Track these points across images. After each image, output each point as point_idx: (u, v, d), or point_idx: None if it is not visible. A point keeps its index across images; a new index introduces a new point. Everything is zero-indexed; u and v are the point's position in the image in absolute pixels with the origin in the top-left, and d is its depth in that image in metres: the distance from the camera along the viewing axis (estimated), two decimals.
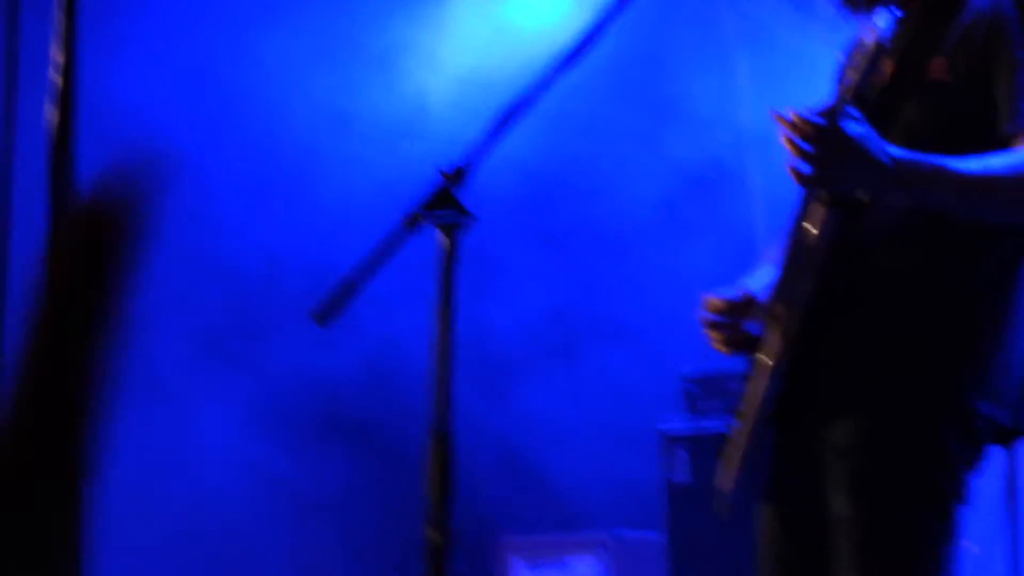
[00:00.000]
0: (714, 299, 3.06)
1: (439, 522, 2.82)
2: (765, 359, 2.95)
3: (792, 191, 3.25)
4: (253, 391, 7.77)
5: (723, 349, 3.08)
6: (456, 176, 2.84)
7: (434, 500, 2.82)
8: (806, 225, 2.94)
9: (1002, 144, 2.90)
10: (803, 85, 5.13)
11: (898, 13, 2.97)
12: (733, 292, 3.07)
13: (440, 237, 2.85)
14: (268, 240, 7.63)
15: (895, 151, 2.74)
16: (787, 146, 2.70)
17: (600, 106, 7.50)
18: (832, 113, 2.68)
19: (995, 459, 3.03)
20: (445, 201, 2.83)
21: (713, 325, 3.06)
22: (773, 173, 7.13)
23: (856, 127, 2.69)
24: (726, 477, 3.02)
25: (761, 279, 3.14)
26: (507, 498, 7.52)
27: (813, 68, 3.70)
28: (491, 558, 6.96)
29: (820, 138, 2.68)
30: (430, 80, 7.60)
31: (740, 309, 3.05)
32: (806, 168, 2.70)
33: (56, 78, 2.68)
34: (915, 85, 2.89)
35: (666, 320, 6.85)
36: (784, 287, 2.97)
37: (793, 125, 2.69)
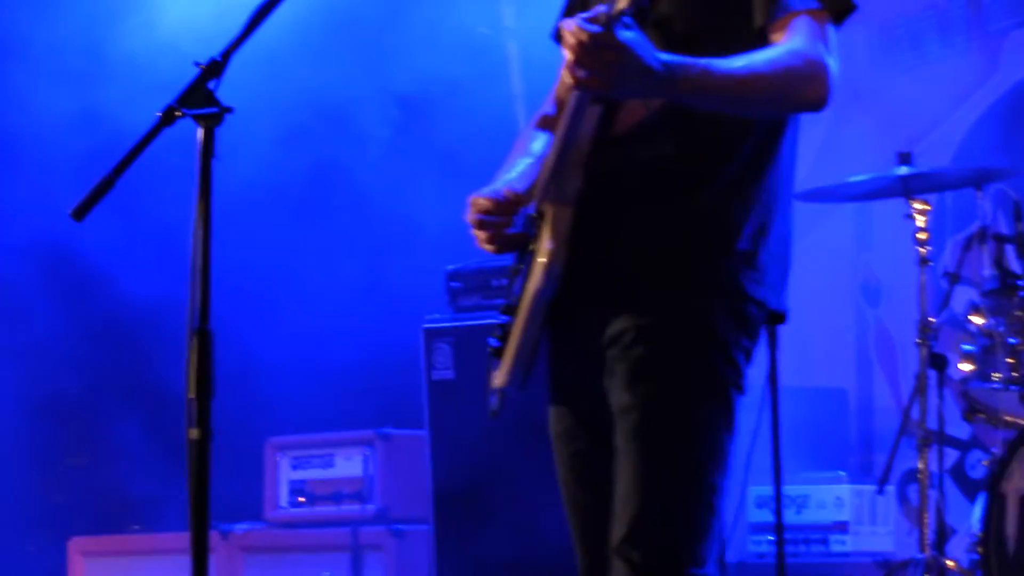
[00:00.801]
0: (480, 199, 3.07)
1: (200, 419, 2.80)
2: (539, 259, 2.97)
3: (546, 88, 3.29)
4: None
5: (490, 249, 3.10)
6: (212, 70, 2.81)
7: (194, 397, 2.80)
8: (571, 123, 2.96)
9: (758, 37, 2.95)
10: None
11: None
12: (498, 191, 3.08)
13: (197, 130, 2.82)
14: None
15: (665, 56, 2.78)
16: (566, 52, 2.74)
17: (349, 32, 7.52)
18: (607, 20, 2.71)
19: (758, 346, 3.09)
20: (201, 94, 2.80)
21: (481, 224, 3.07)
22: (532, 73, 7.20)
23: (628, 34, 2.73)
24: (500, 374, 3.05)
25: (520, 171, 3.16)
26: (275, 399, 7.49)
27: None
28: (258, 458, 6.95)
29: (595, 46, 2.71)
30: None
31: (506, 207, 3.06)
32: (582, 73, 2.74)
33: None
34: None
35: (431, 220, 6.88)
36: (551, 186, 2.99)
37: (571, 32, 2.72)
